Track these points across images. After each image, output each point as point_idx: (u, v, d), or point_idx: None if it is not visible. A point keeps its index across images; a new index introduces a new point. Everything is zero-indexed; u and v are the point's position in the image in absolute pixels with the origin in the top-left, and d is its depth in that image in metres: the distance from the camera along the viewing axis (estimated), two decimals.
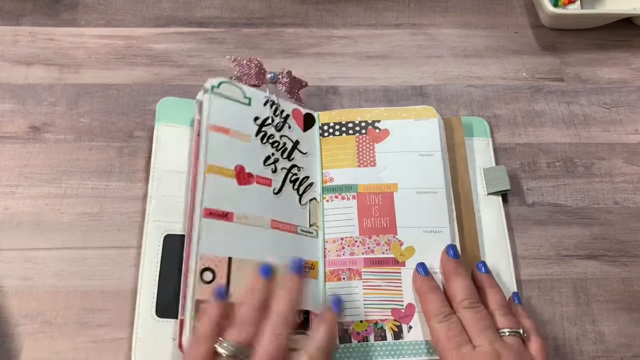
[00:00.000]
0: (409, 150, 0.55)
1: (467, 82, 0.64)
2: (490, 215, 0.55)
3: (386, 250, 0.51)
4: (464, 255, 0.51)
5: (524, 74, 0.65)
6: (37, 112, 0.58)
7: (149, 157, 0.55)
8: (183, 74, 0.61)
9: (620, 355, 0.52)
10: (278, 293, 0.43)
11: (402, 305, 0.49)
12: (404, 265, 0.50)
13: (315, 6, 0.67)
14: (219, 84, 0.52)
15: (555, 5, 0.65)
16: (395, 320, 0.49)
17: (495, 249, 0.54)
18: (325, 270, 0.51)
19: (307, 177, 0.54)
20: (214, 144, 0.50)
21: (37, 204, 0.53)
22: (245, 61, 0.55)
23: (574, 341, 0.52)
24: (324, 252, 0.52)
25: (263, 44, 0.64)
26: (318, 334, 0.42)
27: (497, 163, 0.58)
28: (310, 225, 0.52)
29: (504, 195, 0.57)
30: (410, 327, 0.48)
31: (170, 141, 0.54)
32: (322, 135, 0.57)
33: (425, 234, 0.51)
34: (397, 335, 0.48)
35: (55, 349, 0.48)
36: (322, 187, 0.54)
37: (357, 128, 0.56)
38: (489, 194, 0.56)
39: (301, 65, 0.63)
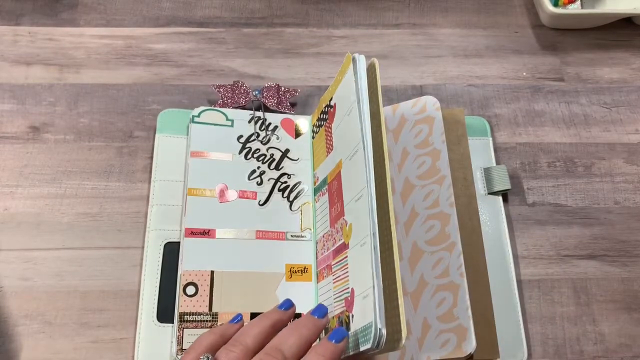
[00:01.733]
0: (341, 115, 0.50)
1: (467, 82, 0.64)
2: (490, 215, 0.55)
3: (341, 236, 0.47)
4: (465, 255, 0.51)
5: (524, 73, 0.65)
6: (36, 112, 0.58)
7: (149, 158, 0.56)
8: (183, 74, 0.61)
9: (620, 355, 0.52)
10: (287, 327, 0.41)
11: (349, 293, 0.44)
12: (348, 247, 0.45)
13: (315, 6, 0.67)
14: (200, 113, 0.55)
15: (556, 5, 0.65)
16: (346, 310, 0.44)
17: (495, 249, 0.54)
18: (317, 272, 0.51)
19: (299, 183, 0.55)
20: (195, 168, 0.53)
21: (37, 204, 0.53)
22: (228, 86, 0.58)
23: (574, 341, 0.52)
24: (316, 254, 0.52)
25: (263, 44, 0.64)
26: (283, 335, 0.40)
27: (497, 163, 0.58)
28: (302, 230, 0.53)
29: (504, 195, 0.57)
30: (352, 316, 0.43)
31: (170, 152, 0.55)
32: (313, 137, 0.57)
33: (355, 204, 0.45)
34: (348, 327, 0.43)
35: (55, 349, 0.48)
36: (313, 189, 0.55)
37: (324, 116, 0.54)
38: (489, 193, 0.56)
39: (301, 65, 0.63)
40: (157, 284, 0.50)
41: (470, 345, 0.47)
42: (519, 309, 0.52)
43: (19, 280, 0.50)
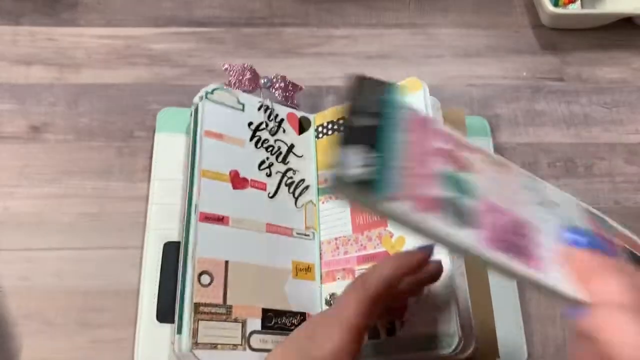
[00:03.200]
0: None
1: (467, 82, 0.63)
2: None
3: (377, 244, 0.49)
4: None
5: (525, 73, 0.65)
6: (37, 112, 0.58)
7: (149, 158, 0.55)
8: (183, 74, 0.61)
9: None
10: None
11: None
12: None
13: (315, 6, 0.67)
14: (213, 90, 0.53)
15: (556, 4, 0.65)
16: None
17: None
18: (321, 272, 0.51)
19: (303, 180, 0.54)
20: (209, 149, 0.51)
21: (37, 204, 0.53)
22: (238, 67, 0.56)
23: None
24: (320, 254, 0.52)
25: (263, 44, 0.64)
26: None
27: None
28: (306, 228, 0.53)
29: None
30: (402, 323, 0.45)
31: (170, 150, 0.55)
32: (317, 137, 0.57)
33: None
34: (391, 332, 0.45)
35: (55, 349, 0.48)
36: (318, 189, 0.55)
37: None
38: None
39: (301, 65, 0.63)
40: (157, 284, 0.49)
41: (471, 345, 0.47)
42: (519, 309, 0.52)
43: (18, 280, 0.50)
